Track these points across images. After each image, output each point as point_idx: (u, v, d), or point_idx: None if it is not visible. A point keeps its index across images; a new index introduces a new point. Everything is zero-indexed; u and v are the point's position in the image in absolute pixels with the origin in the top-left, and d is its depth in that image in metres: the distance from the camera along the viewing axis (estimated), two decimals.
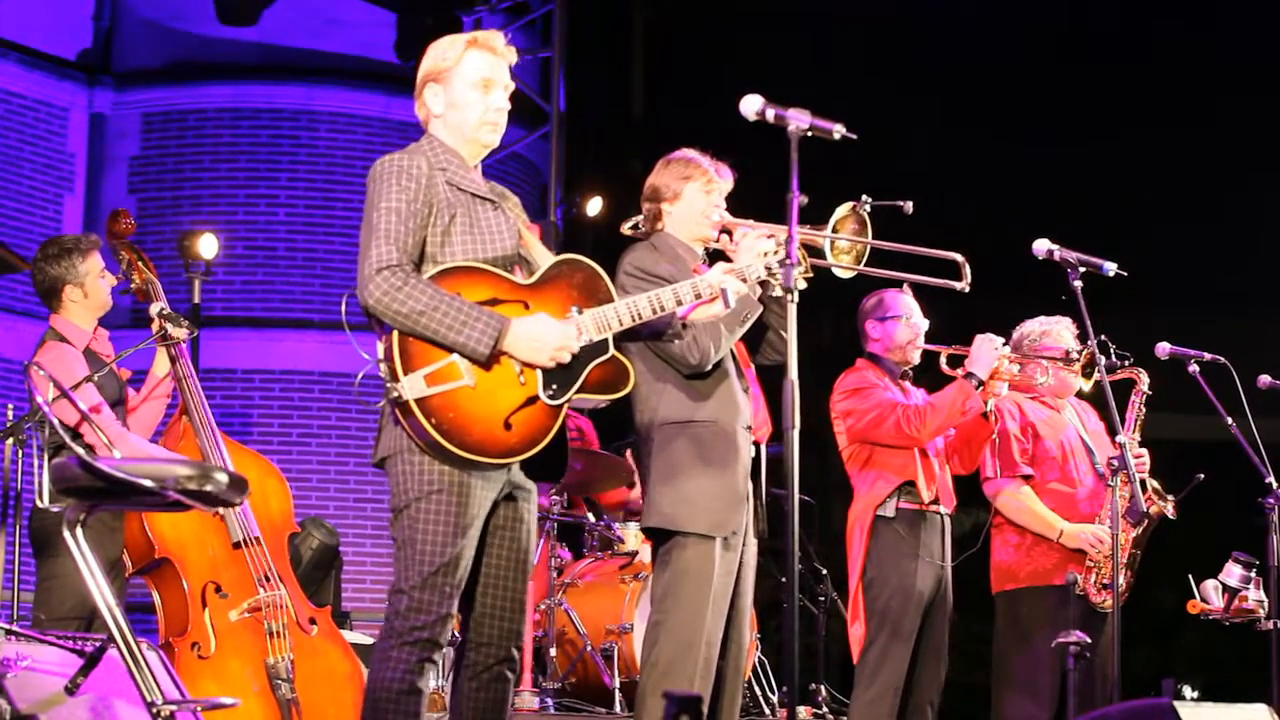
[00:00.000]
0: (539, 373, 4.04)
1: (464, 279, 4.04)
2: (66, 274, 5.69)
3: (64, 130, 11.81)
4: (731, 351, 5.04)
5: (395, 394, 3.93)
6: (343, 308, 4.06)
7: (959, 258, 4.79)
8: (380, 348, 4.01)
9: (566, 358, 4.04)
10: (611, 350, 4.14)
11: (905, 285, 5.15)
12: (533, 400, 4.04)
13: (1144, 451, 5.90)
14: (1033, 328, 6.24)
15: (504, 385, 4.01)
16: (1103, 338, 5.61)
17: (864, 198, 4.76)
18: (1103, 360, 5.53)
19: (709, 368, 4.91)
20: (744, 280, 4.41)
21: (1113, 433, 5.60)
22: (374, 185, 4.10)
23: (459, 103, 4.21)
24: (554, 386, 4.05)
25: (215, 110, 11.86)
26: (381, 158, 4.15)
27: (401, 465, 4.04)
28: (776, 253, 4.46)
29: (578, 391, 4.09)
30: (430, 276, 4.01)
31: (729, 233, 5.05)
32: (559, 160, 11.96)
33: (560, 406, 4.07)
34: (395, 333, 3.96)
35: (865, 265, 4.78)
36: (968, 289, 4.78)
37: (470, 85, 4.21)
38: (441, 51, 4.25)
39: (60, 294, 5.70)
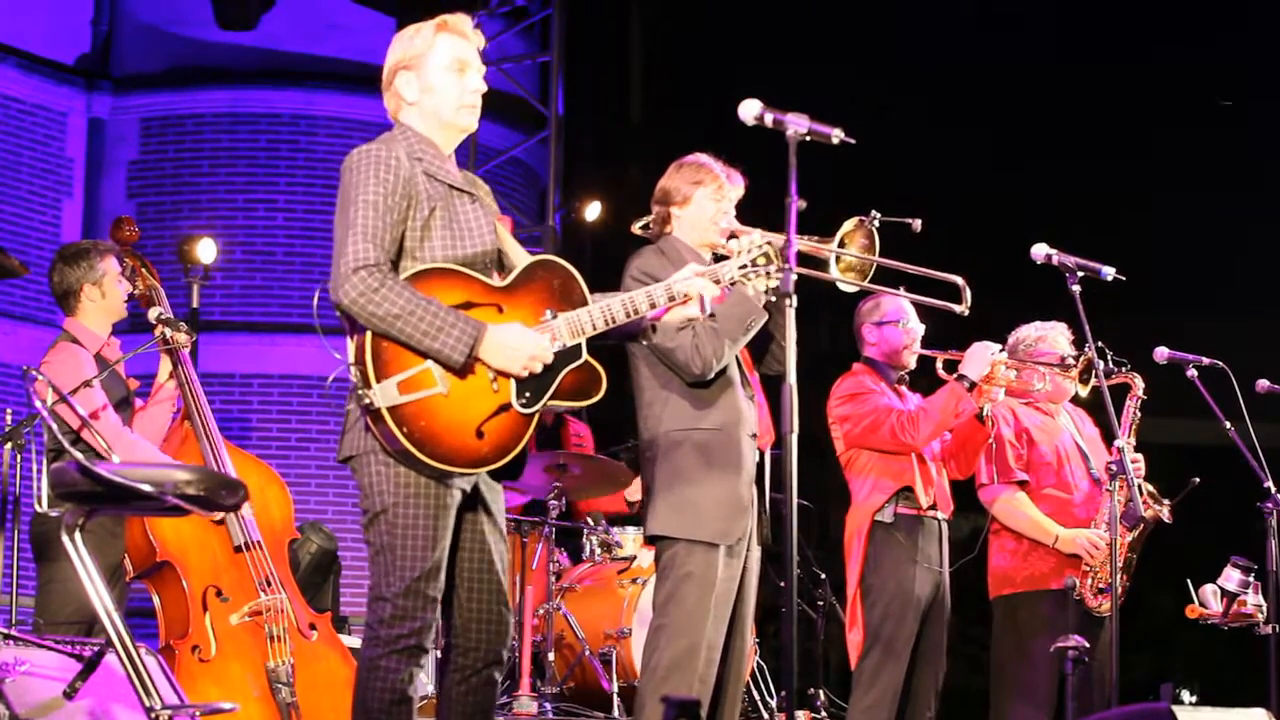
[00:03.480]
0: (512, 380, 3.99)
1: (437, 281, 3.98)
2: (86, 275, 5.70)
3: (62, 135, 11.82)
4: (737, 359, 5.03)
5: (368, 401, 3.87)
6: (314, 304, 4.00)
7: (959, 280, 4.78)
8: (351, 348, 3.95)
9: (539, 368, 4.00)
10: (585, 355, 4.09)
11: (902, 290, 5.14)
12: (505, 408, 3.99)
13: (1139, 456, 5.90)
14: (1028, 332, 6.23)
15: (477, 393, 3.97)
16: (1099, 343, 5.61)
17: (873, 213, 4.75)
18: (1100, 366, 5.53)
19: (711, 375, 4.91)
20: (716, 282, 4.36)
21: (1109, 438, 5.59)
22: (349, 177, 4.01)
23: (435, 87, 4.12)
24: (527, 394, 4.00)
25: (214, 115, 11.88)
26: (356, 148, 4.06)
27: (374, 467, 3.98)
28: (750, 251, 4.42)
29: (551, 398, 4.06)
30: (405, 278, 3.94)
31: (736, 238, 5.04)
32: (557, 164, 11.97)
33: (532, 415, 4.03)
34: (368, 337, 3.89)
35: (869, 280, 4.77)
36: (967, 312, 4.76)
37: (444, 69, 4.12)
38: (410, 39, 4.16)
39: (79, 295, 5.70)
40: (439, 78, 4.13)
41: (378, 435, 3.92)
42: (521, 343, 3.98)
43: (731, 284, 4.50)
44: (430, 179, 4.07)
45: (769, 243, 4.30)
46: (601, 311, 4.13)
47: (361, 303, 3.86)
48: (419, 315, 3.87)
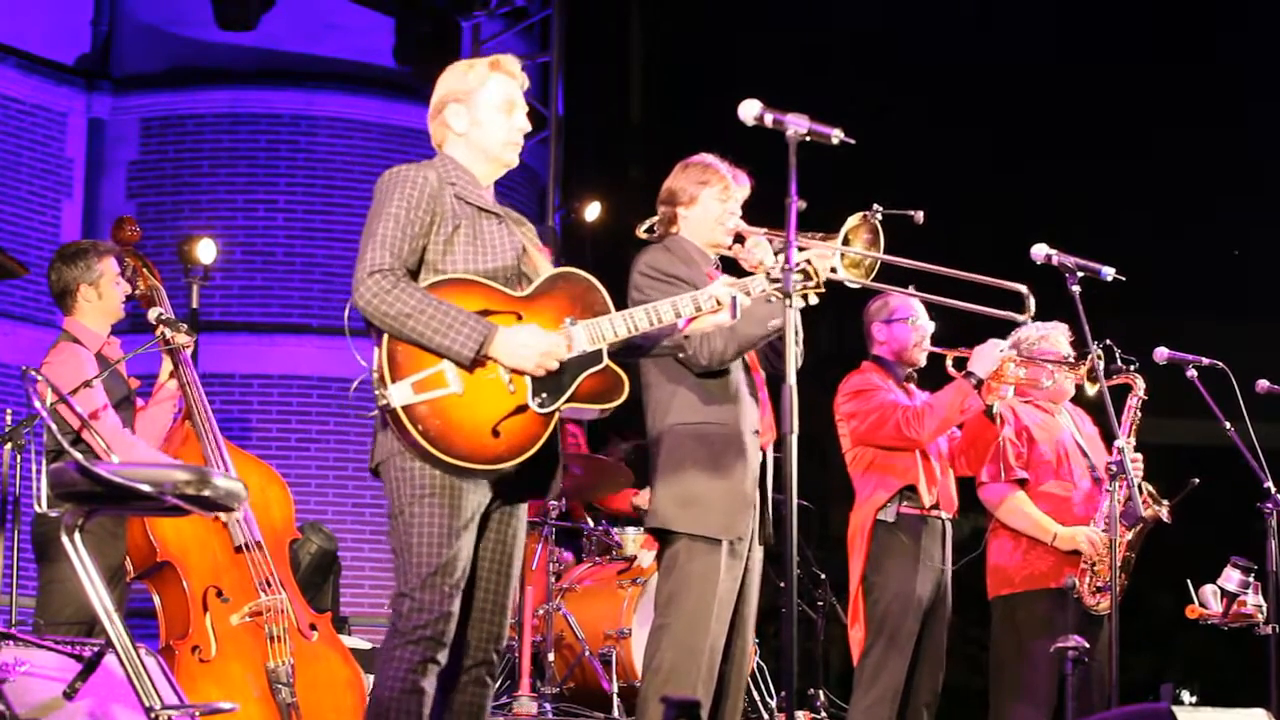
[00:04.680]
0: (528, 382, 4.06)
1: (457, 290, 4.07)
2: (83, 275, 5.70)
3: (62, 135, 11.81)
4: (743, 357, 5.04)
5: (384, 401, 3.97)
6: (345, 315, 4.08)
7: (1023, 289, 4.70)
8: (374, 356, 4.04)
9: (553, 364, 4.05)
10: (605, 361, 4.14)
11: (912, 288, 5.14)
12: (522, 409, 4.05)
13: (1139, 456, 5.90)
14: (1030, 332, 6.23)
15: (492, 393, 4.03)
16: (1107, 343, 5.61)
17: (875, 206, 4.75)
18: (1102, 367, 5.53)
19: (718, 368, 4.91)
20: (747, 294, 4.39)
21: (1109, 438, 5.60)
22: (378, 194, 4.16)
23: (484, 122, 4.28)
24: (543, 395, 4.07)
25: (213, 115, 11.87)
26: (392, 168, 4.20)
27: (395, 471, 4.08)
28: (782, 267, 4.43)
29: (568, 401, 4.10)
30: (425, 286, 4.04)
31: (742, 239, 5.05)
32: (557, 165, 11.98)
33: (550, 415, 4.08)
34: (385, 341, 3.99)
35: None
36: (1030, 319, 4.72)
37: (495, 107, 4.28)
38: (463, 73, 4.32)
39: (75, 295, 5.70)
40: (489, 114, 4.29)
41: (396, 434, 4.02)
42: (533, 340, 4.04)
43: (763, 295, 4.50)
44: (459, 201, 4.18)
45: (808, 261, 4.30)
46: (624, 319, 4.19)
47: (375, 304, 3.98)
48: (429, 314, 3.96)
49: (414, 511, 4.04)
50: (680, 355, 4.85)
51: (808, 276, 4.26)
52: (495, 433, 4.01)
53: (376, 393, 4.00)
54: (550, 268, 4.31)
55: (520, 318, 4.10)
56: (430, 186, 4.13)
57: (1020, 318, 4.74)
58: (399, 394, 3.96)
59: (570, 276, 4.23)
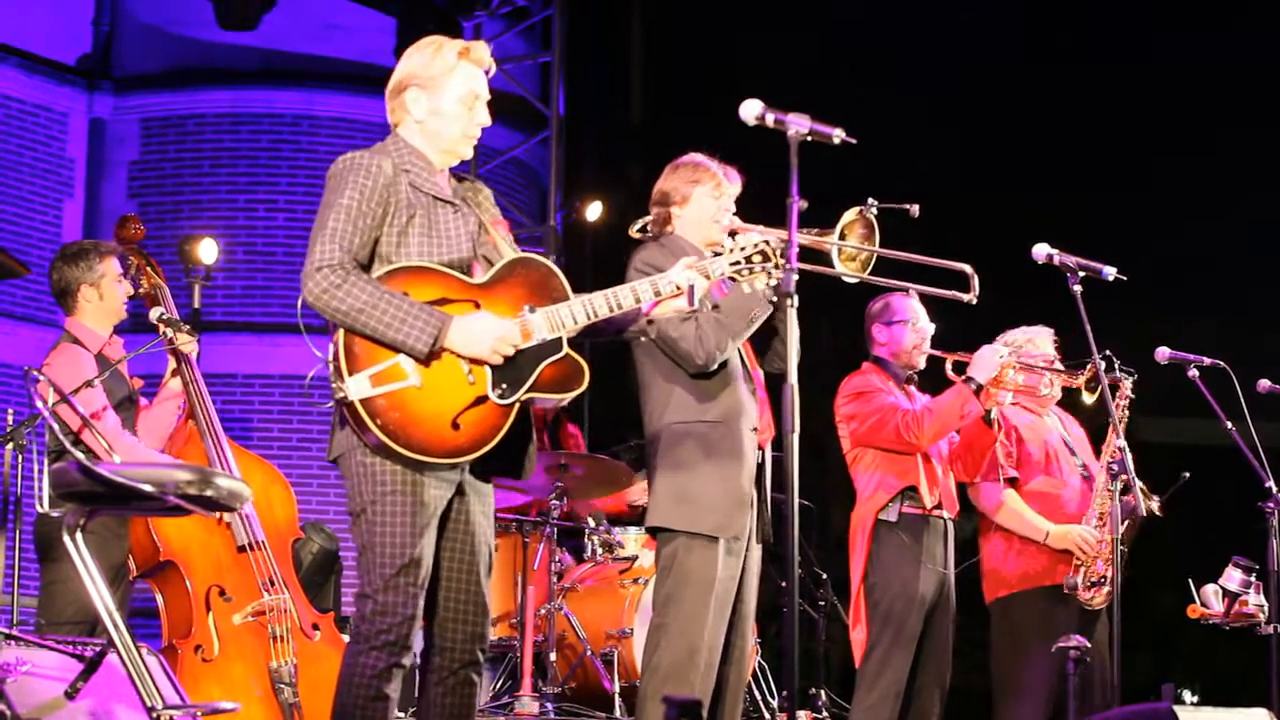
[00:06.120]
0: (488, 372, 4.02)
1: (413, 278, 4.02)
2: (83, 275, 5.70)
3: (64, 135, 11.82)
4: (741, 354, 5.04)
5: (341, 394, 3.92)
6: (298, 308, 4.02)
7: (968, 269, 4.76)
8: (331, 348, 4.00)
9: (509, 350, 4.00)
10: (565, 349, 4.10)
11: (912, 290, 5.14)
12: (482, 400, 4.01)
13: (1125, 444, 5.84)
14: (1017, 335, 6.21)
15: (451, 385, 4.00)
16: (1107, 352, 5.62)
17: (870, 200, 4.75)
18: (1104, 375, 5.52)
19: (714, 367, 4.92)
20: (706, 277, 4.35)
21: (1099, 442, 5.58)
22: (332, 182, 4.06)
23: (445, 113, 4.17)
24: (503, 385, 4.03)
25: (215, 115, 11.89)
26: (344, 155, 4.11)
27: (355, 466, 4.03)
28: (744, 249, 4.40)
29: (529, 391, 4.06)
30: (380, 276, 3.98)
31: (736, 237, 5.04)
32: (558, 165, 11.98)
33: (510, 406, 4.04)
34: (341, 333, 3.95)
35: (872, 272, 4.76)
36: (975, 301, 4.74)
37: (459, 99, 4.18)
38: (430, 57, 4.20)
39: (75, 295, 5.70)
40: (452, 107, 4.18)
41: (354, 428, 3.97)
42: (487, 327, 3.99)
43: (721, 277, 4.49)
44: (414, 189, 4.11)
45: (765, 241, 4.29)
46: (583, 306, 4.13)
47: (325, 299, 3.92)
48: (382, 308, 3.90)
49: (377, 510, 4.00)
50: (645, 338, 4.80)
51: (766, 258, 4.26)
52: (455, 425, 3.98)
53: (333, 385, 3.94)
54: (506, 243, 4.25)
55: (478, 306, 4.05)
56: (385, 176, 4.04)
57: (965, 297, 4.75)
58: (356, 387, 3.91)
59: (528, 263, 4.17)
